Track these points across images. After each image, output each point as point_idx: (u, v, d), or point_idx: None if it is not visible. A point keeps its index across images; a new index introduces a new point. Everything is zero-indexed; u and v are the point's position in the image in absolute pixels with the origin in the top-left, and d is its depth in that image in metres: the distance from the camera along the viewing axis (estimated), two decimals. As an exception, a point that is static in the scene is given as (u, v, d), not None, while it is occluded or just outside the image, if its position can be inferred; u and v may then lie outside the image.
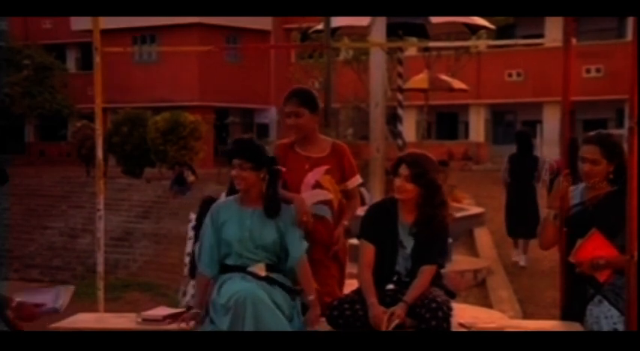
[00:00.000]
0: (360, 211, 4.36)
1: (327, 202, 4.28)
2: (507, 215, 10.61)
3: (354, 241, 4.22)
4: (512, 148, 10.75)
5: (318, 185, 4.26)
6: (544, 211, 4.24)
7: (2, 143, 35.44)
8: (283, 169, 4.05)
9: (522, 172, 10.21)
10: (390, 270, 4.00)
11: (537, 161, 10.37)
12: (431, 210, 3.97)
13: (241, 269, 3.92)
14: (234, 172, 3.96)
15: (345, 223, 4.29)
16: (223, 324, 3.71)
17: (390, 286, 3.97)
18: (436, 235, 4.00)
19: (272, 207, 3.97)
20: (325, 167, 4.28)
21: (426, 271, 3.95)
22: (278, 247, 3.98)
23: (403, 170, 3.98)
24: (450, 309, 3.82)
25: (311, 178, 4.25)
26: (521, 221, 10.09)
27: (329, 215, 4.27)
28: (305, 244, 3.99)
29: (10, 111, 33.34)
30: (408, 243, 4.01)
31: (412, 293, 3.85)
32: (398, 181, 4.00)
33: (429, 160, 4.04)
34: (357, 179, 4.40)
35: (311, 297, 3.92)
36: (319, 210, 4.23)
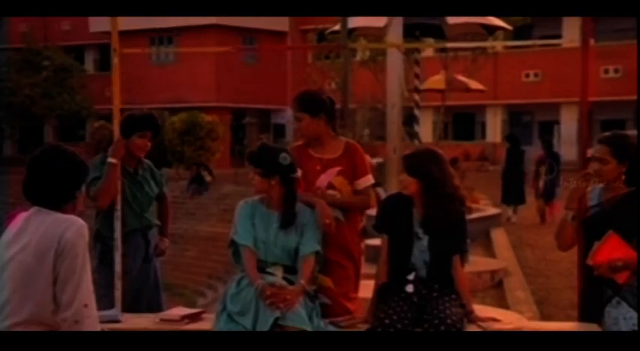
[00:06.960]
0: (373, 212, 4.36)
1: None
2: (503, 189, 15.48)
3: (370, 241, 4.22)
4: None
5: (330, 187, 4.24)
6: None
7: (22, 144, 35.71)
8: (299, 174, 4.07)
9: (513, 160, 15.20)
10: (405, 261, 3.96)
11: (523, 153, 15.40)
12: (434, 203, 3.90)
13: (260, 267, 3.95)
14: (250, 175, 4.09)
15: (324, 185, 4.23)
16: (246, 322, 3.75)
17: (410, 288, 3.93)
18: (451, 225, 3.95)
19: (286, 218, 4.00)
20: (337, 168, 4.25)
21: (458, 268, 3.97)
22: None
23: (403, 166, 4.04)
24: (462, 329, 3.83)
25: (324, 179, 4.24)
26: (512, 192, 15.17)
27: (341, 216, 4.27)
28: (317, 246, 3.98)
29: (29, 112, 33.61)
30: (423, 235, 3.98)
31: (468, 299, 3.95)
32: (402, 177, 4.06)
33: (427, 154, 3.98)
34: (368, 179, 4.31)
35: (302, 281, 3.90)
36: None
